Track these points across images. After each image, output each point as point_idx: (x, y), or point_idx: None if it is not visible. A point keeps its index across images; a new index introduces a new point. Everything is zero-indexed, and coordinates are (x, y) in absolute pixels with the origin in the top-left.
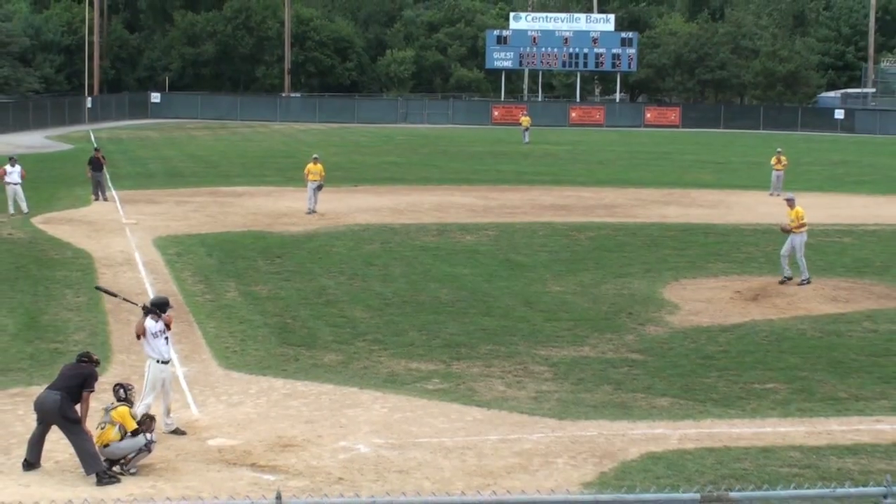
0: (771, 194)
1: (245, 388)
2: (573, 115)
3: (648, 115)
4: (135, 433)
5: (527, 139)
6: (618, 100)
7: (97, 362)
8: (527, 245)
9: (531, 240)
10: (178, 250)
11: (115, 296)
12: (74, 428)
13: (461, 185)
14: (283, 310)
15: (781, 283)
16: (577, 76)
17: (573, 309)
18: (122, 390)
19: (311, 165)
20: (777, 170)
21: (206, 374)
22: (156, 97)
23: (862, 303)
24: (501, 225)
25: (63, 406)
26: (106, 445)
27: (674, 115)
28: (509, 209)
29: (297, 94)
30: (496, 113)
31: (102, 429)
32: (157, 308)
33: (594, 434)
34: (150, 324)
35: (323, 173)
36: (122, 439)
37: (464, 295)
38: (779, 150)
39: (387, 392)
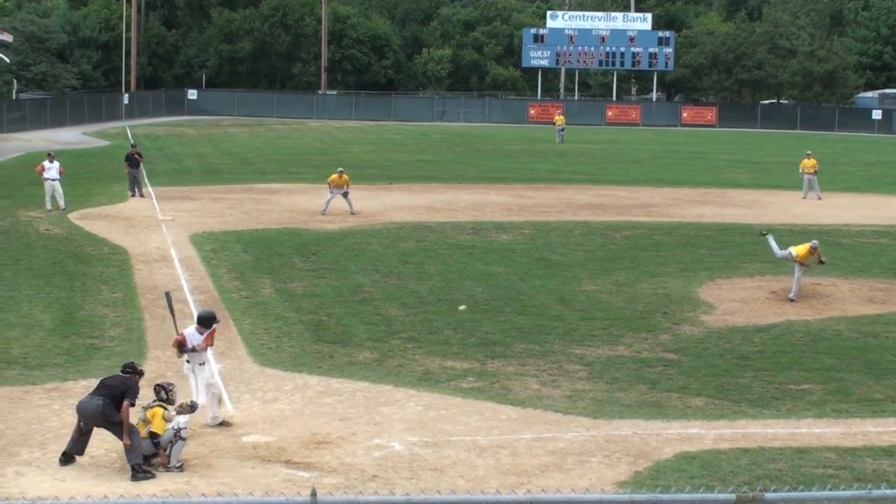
0: (804, 197)
1: (280, 384)
2: (609, 113)
3: (685, 115)
4: (153, 436)
5: (560, 139)
6: (654, 99)
7: (141, 373)
8: (562, 244)
9: (566, 239)
10: (214, 247)
11: (171, 313)
12: (118, 427)
13: (496, 184)
14: (319, 307)
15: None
16: (613, 75)
17: (608, 308)
18: (162, 391)
19: (335, 177)
20: (807, 173)
21: (242, 370)
22: (192, 94)
23: None
24: (537, 224)
25: (105, 410)
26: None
27: (710, 114)
28: (545, 208)
29: (334, 92)
30: (532, 111)
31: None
32: (203, 322)
33: (628, 433)
34: (191, 333)
35: (348, 185)
36: (150, 437)
37: (499, 294)
38: (808, 152)
39: (421, 390)
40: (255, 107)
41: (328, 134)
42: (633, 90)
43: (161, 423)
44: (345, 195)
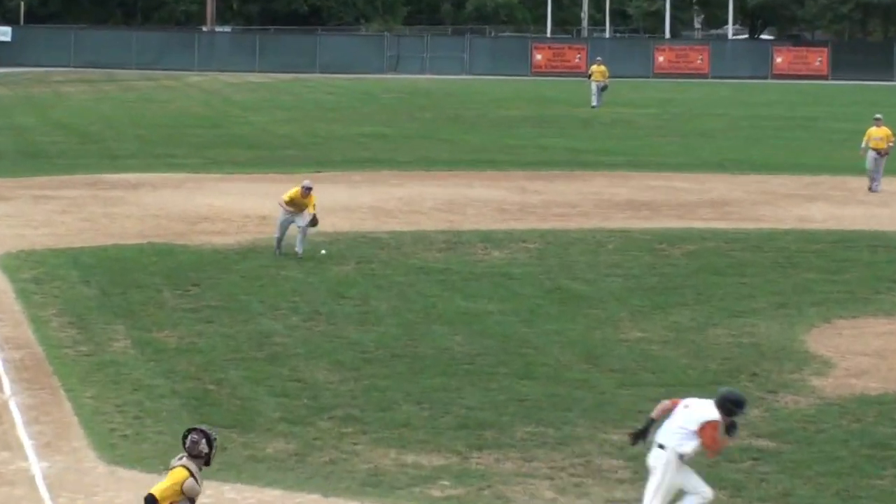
0: (871, 188)
1: (140, 494)
2: (660, 59)
3: (779, 60)
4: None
5: (597, 101)
6: (730, 35)
7: None
8: (589, 266)
9: (595, 257)
10: (36, 274)
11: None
12: None
13: (484, 171)
14: (202, 369)
15: None
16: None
17: (663, 367)
18: (203, 441)
19: (296, 196)
20: (875, 149)
21: (80, 471)
22: (4, 33)
23: None
24: (548, 233)
25: None
26: None
27: (819, 58)
28: (560, 209)
29: (227, 29)
30: (539, 56)
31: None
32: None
33: None
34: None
35: (314, 209)
36: None
37: (489, 345)
38: (877, 116)
39: (368, 501)
40: (103, 52)
41: (218, 94)
42: (698, 22)
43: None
44: (312, 224)
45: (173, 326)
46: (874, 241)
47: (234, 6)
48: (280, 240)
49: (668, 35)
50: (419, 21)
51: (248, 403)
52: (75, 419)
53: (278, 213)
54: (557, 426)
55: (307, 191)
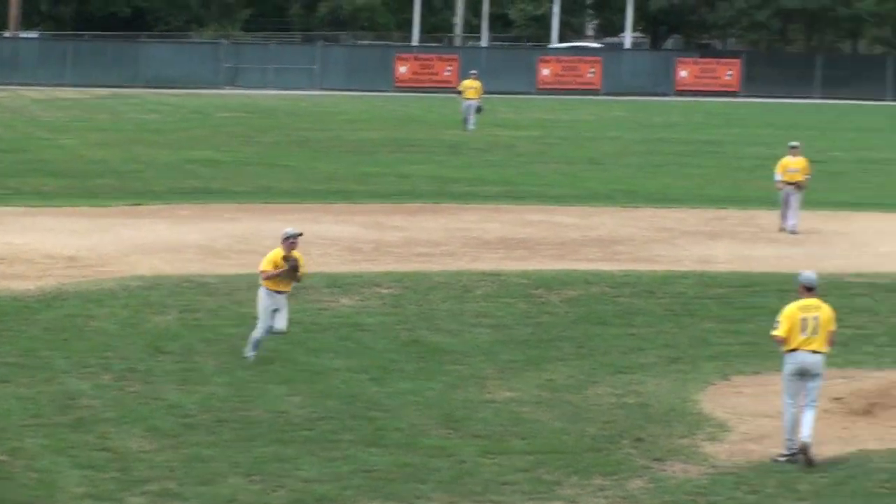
0: (784, 227)
1: None
2: (544, 72)
3: (683, 74)
4: None
5: (472, 123)
6: (627, 44)
7: None
8: (453, 315)
9: (461, 305)
10: None
11: None
12: None
13: (334, 204)
14: None
15: None
16: (551, 1)
17: (534, 432)
18: None
19: (276, 259)
20: (790, 182)
21: None
22: None
23: None
24: (407, 277)
25: None
26: None
27: (730, 72)
28: (423, 247)
29: (33, 34)
30: (403, 69)
31: None
32: None
33: None
34: None
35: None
36: None
37: (333, 407)
38: (793, 144)
39: None
40: None
41: (21, 112)
42: (590, 29)
43: None
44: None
45: None
46: (784, 286)
47: (43, 8)
48: (261, 341)
49: (555, 43)
50: (262, 26)
51: (47, 476)
52: None
53: (258, 296)
54: (409, 500)
55: (290, 245)
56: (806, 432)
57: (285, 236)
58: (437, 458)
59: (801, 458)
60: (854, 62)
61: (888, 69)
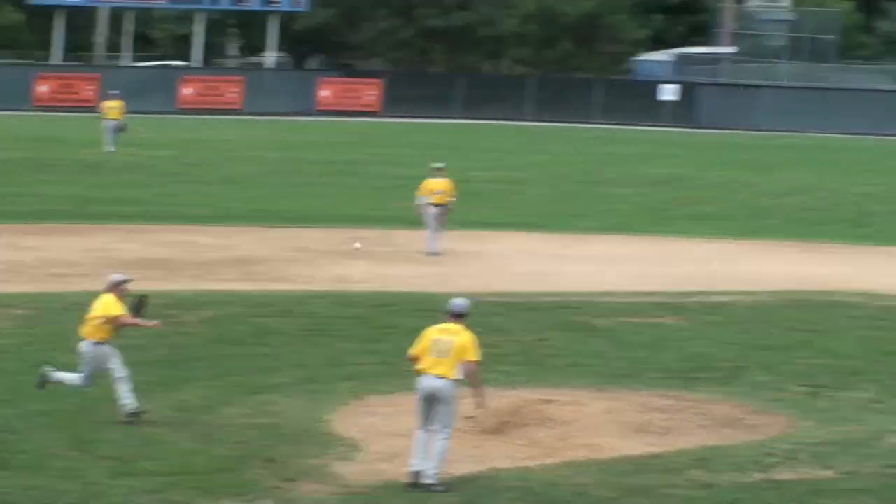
0: (428, 249)
1: None
2: (186, 91)
3: (325, 93)
4: None
5: (111, 143)
6: (269, 64)
7: None
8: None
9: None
10: None
11: None
12: None
13: None
14: None
15: None
16: (195, 20)
17: (165, 453)
18: None
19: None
20: (436, 204)
21: None
22: None
23: (690, 435)
24: (40, 298)
25: None
26: None
27: (371, 92)
28: (58, 268)
29: None
30: (43, 88)
31: None
32: None
33: None
34: None
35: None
36: None
37: None
38: (438, 165)
39: None
40: None
41: None
42: (234, 49)
43: None
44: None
45: None
46: (419, 305)
47: None
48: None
49: (198, 62)
50: None
51: None
52: None
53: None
54: None
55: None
56: (428, 464)
57: (117, 282)
58: (66, 480)
59: (410, 487)
60: (495, 82)
61: (527, 89)
